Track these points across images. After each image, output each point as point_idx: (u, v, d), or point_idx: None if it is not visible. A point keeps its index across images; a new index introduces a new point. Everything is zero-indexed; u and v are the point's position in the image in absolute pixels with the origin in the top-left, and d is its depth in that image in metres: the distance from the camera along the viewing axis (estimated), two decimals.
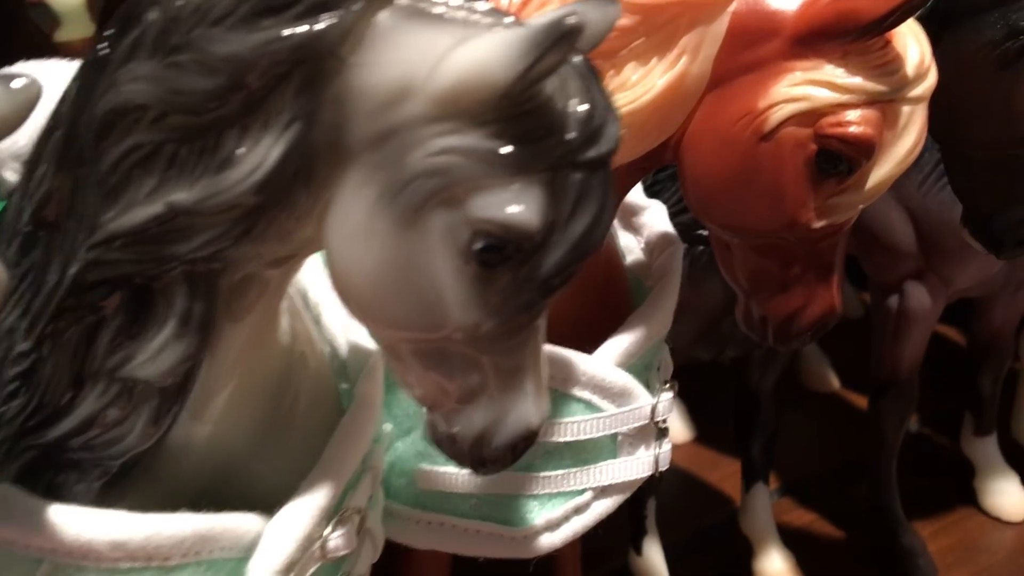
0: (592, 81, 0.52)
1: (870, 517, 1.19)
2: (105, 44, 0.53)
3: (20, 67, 0.73)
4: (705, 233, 0.93)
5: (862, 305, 1.43)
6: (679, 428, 1.33)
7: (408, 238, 0.51)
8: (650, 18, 0.70)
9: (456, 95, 0.49)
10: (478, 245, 0.50)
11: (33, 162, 0.57)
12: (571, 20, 0.47)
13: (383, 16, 0.51)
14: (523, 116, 0.50)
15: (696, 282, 0.96)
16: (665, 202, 0.92)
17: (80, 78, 0.55)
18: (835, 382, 1.45)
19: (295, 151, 0.50)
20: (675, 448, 0.83)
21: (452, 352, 0.54)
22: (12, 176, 0.65)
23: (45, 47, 0.71)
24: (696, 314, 0.97)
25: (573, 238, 0.51)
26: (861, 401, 1.36)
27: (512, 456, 0.56)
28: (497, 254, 0.51)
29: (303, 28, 0.50)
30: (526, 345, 0.54)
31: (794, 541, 1.17)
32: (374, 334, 0.58)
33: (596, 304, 0.80)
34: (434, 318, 0.52)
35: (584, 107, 0.51)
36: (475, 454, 0.56)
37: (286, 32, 0.49)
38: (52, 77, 0.57)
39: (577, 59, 0.52)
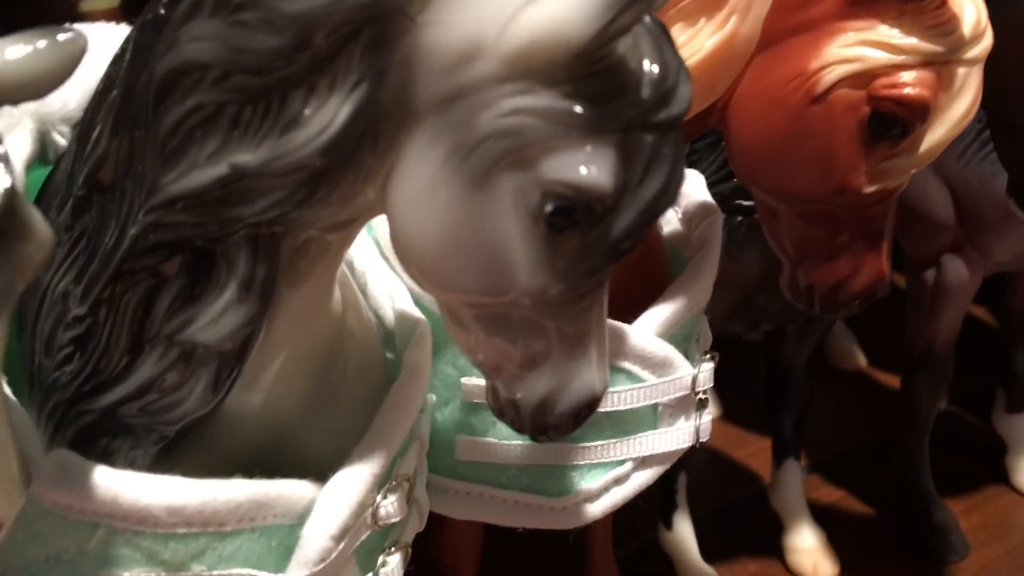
0: (663, 41, 0.51)
1: (900, 495, 1.19)
2: (163, 4, 0.52)
3: None
4: (744, 203, 0.92)
5: (889, 283, 1.43)
6: None
7: (476, 200, 0.50)
8: None
9: (528, 54, 0.48)
10: (549, 207, 0.50)
11: (86, 125, 0.56)
12: None
13: None
14: (596, 76, 0.49)
15: (733, 254, 0.95)
16: (703, 172, 0.91)
17: (136, 39, 0.54)
18: (862, 360, 1.45)
19: (363, 112, 0.50)
20: None
21: (516, 317, 0.53)
22: (61, 140, 0.64)
23: (70, 17, 0.70)
24: (732, 287, 0.96)
25: (644, 201, 0.50)
26: (889, 379, 1.36)
27: (574, 423, 0.56)
28: (567, 216, 0.50)
29: None
30: (591, 311, 0.54)
31: (823, 518, 1.17)
32: (436, 298, 0.57)
33: (634, 274, 0.79)
34: (501, 282, 0.52)
35: (656, 67, 0.50)
36: (537, 421, 0.56)
37: None
38: (92, 39, 0.56)
39: (647, 18, 0.51)
